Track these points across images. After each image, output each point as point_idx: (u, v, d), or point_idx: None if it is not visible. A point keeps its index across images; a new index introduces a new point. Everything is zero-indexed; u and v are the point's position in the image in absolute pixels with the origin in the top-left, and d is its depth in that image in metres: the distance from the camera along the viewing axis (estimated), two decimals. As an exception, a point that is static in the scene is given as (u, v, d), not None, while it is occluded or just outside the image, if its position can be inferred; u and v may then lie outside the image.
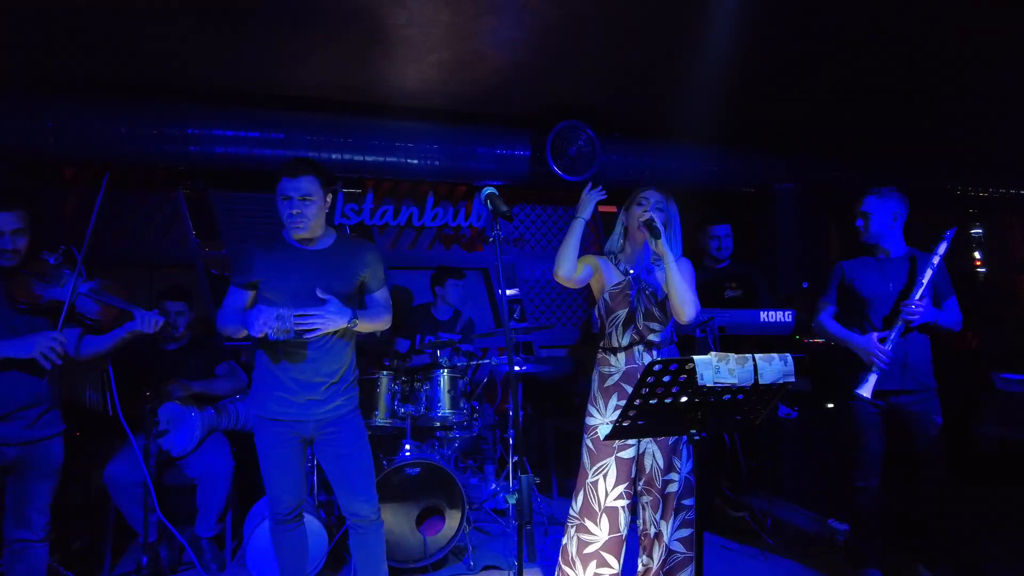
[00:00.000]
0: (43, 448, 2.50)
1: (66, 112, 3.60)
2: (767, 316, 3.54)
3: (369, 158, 4.10)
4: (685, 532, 2.51)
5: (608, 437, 1.92)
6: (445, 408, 3.55)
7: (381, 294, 2.62)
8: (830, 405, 4.30)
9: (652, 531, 2.50)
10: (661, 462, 2.47)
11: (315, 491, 3.40)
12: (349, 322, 2.42)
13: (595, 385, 2.56)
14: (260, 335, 2.27)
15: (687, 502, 2.51)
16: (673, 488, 2.48)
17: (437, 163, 4.25)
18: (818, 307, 3.18)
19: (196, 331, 3.76)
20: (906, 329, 2.89)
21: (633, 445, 2.47)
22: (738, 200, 5.03)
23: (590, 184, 2.53)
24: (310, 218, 2.39)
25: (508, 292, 5.39)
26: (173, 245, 4.42)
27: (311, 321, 2.34)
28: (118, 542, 3.44)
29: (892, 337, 2.87)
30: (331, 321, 2.39)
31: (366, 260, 2.54)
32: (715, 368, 1.78)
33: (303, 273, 2.43)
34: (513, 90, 4.00)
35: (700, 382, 1.76)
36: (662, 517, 2.49)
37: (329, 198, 2.48)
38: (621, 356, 2.50)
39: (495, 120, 4.39)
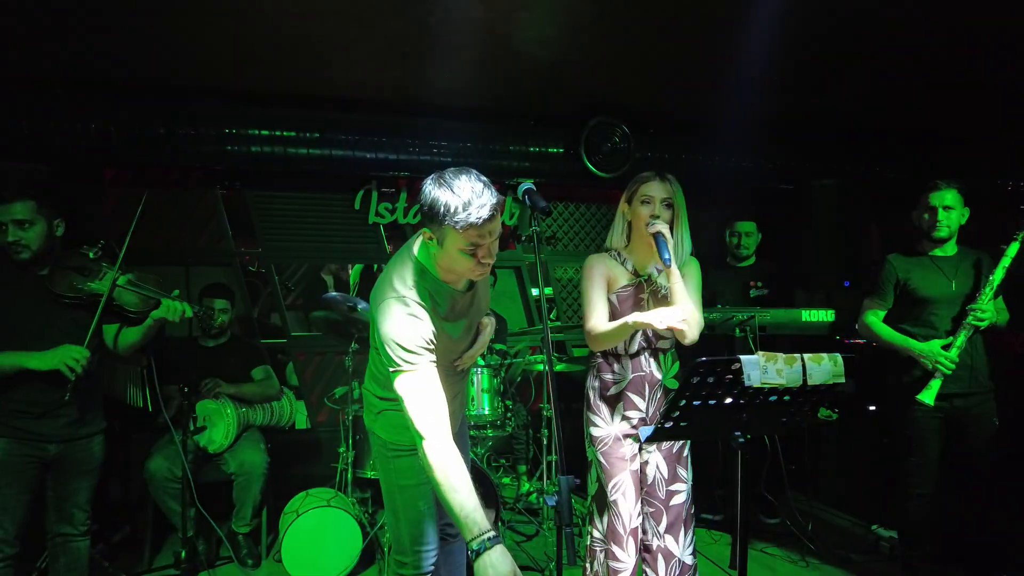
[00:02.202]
0: (84, 446, 2.53)
1: (105, 113, 3.66)
2: (808, 315, 3.44)
3: (403, 157, 4.09)
4: (693, 543, 2.40)
5: (650, 439, 1.87)
6: (481, 406, 3.53)
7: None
8: (872, 407, 4.17)
9: (655, 543, 2.34)
10: (665, 472, 2.34)
11: (350, 488, 3.41)
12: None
13: (595, 394, 2.38)
14: None
15: (693, 511, 2.40)
16: (680, 499, 2.35)
17: (470, 161, 4.22)
18: (865, 307, 3.03)
19: (235, 329, 3.81)
20: (974, 333, 2.77)
21: (636, 455, 2.34)
22: (776, 197, 4.91)
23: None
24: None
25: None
26: (210, 243, 4.48)
27: (473, 355, 2.11)
28: (157, 535, 3.50)
29: (958, 343, 2.75)
30: (486, 346, 2.17)
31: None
32: (762, 368, 1.72)
33: (463, 315, 2.01)
34: (547, 86, 3.96)
35: (747, 383, 1.71)
36: (667, 531, 2.33)
37: None
38: (627, 363, 2.33)
39: (528, 117, 4.35)
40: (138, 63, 3.50)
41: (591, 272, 2.36)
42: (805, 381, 1.77)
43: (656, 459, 2.35)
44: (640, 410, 2.34)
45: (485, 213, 1.71)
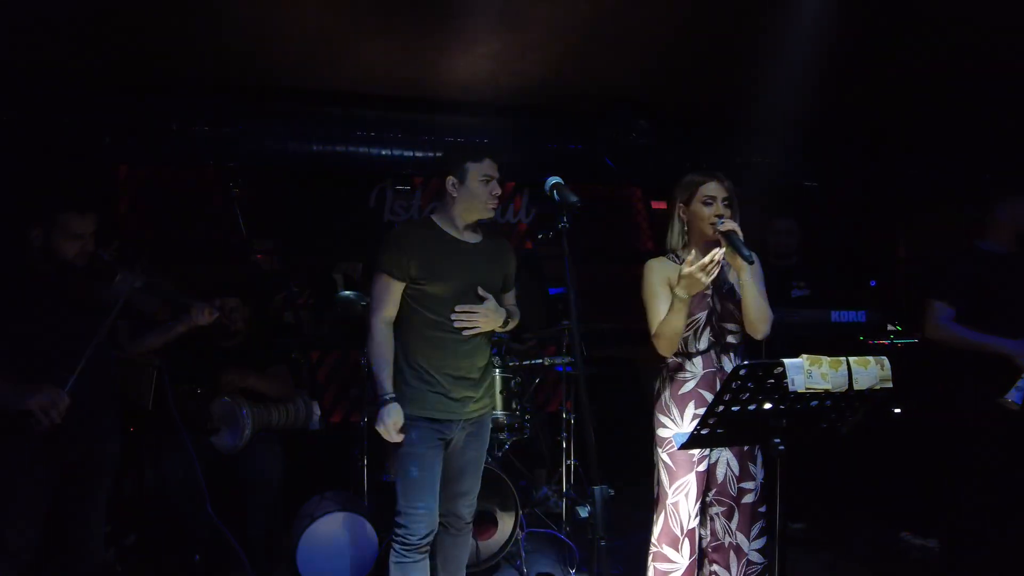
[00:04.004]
0: (102, 447, 2.51)
1: (118, 110, 3.62)
2: (839, 316, 3.34)
3: (419, 154, 4.03)
4: (761, 541, 2.36)
5: (685, 446, 1.78)
6: (498, 409, 3.45)
7: (512, 294, 2.62)
8: (897, 410, 4.06)
9: (727, 541, 2.32)
10: (736, 469, 2.31)
11: (367, 491, 3.34)
12: (503, 323, 2.43)
13: (667, 393, 2.35)
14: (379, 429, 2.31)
15: (762, 509, 2.36)
16: (750, 498, 2.31)
17: (487, 158, 4.15)
18: (935, 307, 2.85)
19: (250, 328, 3.74)
20: None
21: (707, 456, 2.30)
22: (801, 194, 4.80)
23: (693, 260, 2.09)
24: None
25: (556, 290, 5.26)
26: (224, 241, 4.43)
27: (473, 318, 2.34)
28: (170, 539, 3.44)
29: None
30: (490, 321, 2.38)
31: (510, 258, 2.55)
32: (807, 372, 1.63)
33: (464, 267, 2.38)
34: (566, 80, 3.88)
35: (791, 388, 1.62)
36: (738, 528, 2.31)
37: None
38: (698, 361, 2.30)
39: (546, 113, 4.28)
40: (151, 58, 3.46)
41: (649, 278, 2.35)
42: (851, 385, 1.68)
43: (727, 457, 2.31)
44: None
45: (494, 155, 2.37)
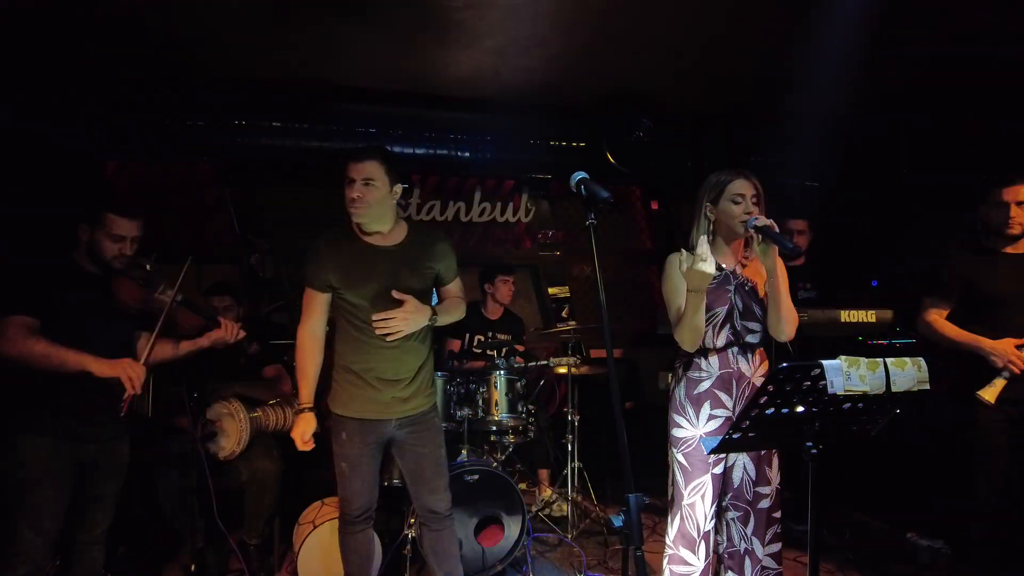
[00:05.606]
0: (116, 446, 2.50)
1: (108, 103, 3.50)
2: (848, 316, 3.31)
3: (419, 150, 3.95)
4: (775, 547, 2.32)
5: (714, 451, 1.72)
6: (503, 411, 3.39)
7: (455, 285, 2.58)
8: (896, 410, 4.05)
9: (742, 547, 2.29)
10: (753, 473, 2.27)
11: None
12: (430, 320, 2.39)
13: (681, 392, 2.31)
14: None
15: (777, 515, 2.32)
16: (766, 503, 2.28)
17: (489, 155, 4.09)
18: (926, 305, 2.88)
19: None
20: None
21: (723, 458, 2.26)
22: (805, 194, 4.78)
23: (689, 253, 2.09)
24: (371, 203, 2.32)
25: (553, 290, 5.21)
26: (216, 240, 4.32)
27: (393, 324, 2.31)
28: (165, 547, 3.33)
29: None
30: (412, 322, 2.35)
31: (438, 252, 2.49)
32: (846, 374, 1.58)
33: (377, 272, 2.37)
34: (570, 77, 3.82)
35: (830, 390, 1.57)
36: (753, 533, 2.28)
37: (396, 189, 2.40)
38: (714, 359, 2.26)
39: (549, 110, 4.20)
40: (142, 50, 3.34)
41: (670, 272, 2.29)
42: (889, 388, 1.63)
43: (744, 462, 2.27)
44: (727, 408, 2.25)
45: (355, 156, 2.34)
